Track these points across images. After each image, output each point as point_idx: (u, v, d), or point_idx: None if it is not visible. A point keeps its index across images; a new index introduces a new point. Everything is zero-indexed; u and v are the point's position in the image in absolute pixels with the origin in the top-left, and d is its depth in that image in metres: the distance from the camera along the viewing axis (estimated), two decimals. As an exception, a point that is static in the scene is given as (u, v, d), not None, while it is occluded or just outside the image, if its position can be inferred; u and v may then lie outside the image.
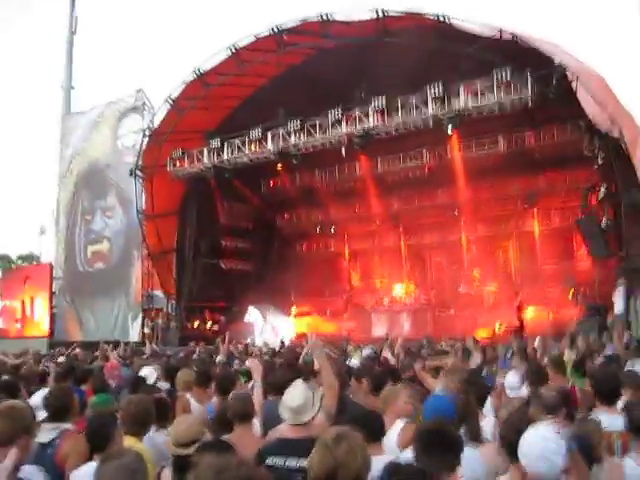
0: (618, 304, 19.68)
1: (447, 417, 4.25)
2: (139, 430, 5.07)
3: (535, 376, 6.81)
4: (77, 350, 16.87)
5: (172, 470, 4.35)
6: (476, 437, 4.63)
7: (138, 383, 7.30)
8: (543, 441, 3.24)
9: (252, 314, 28.55)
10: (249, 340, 23.68)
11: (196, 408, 6.98)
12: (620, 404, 5.36)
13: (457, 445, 3.58)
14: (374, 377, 7.15)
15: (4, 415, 4.20)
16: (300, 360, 9.72)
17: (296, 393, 4.75)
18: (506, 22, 19.74)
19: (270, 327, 28.28)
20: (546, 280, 26.86)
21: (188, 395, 7.22)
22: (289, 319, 29.93)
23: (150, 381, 7.77)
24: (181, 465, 4.25)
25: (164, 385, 7.87)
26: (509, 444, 3.59)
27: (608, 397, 5.33)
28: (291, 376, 6.14)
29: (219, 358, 12.44)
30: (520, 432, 3.39)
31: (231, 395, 5.80)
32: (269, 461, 4.38)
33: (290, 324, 29.31)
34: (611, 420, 5.01)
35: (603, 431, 4.73)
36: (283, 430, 4.79)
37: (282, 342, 20.96)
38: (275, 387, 6.36)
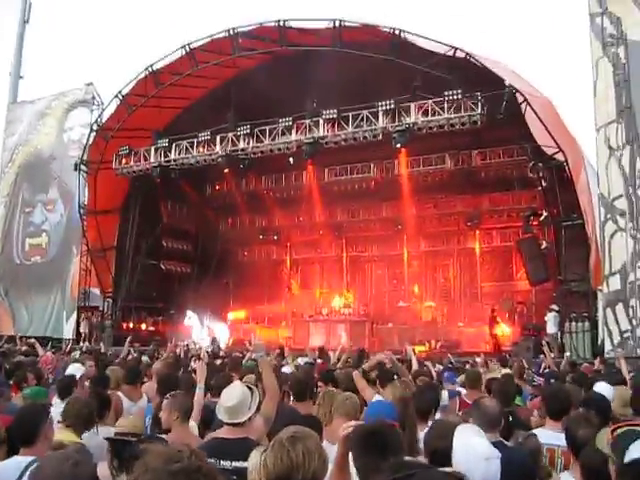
0: (550, 325, 20.15)
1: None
2: (80, 426, 4.99)
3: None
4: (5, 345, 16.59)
5: (110, 456, 4.27)
6: (411, 448, 4.61)
7: (69, 381, 7.13)
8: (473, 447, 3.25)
9: (191, 317, 28.32)
10: (186, 343, 23.46)
11: (128, 406, 6.88)
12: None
13: (397, 447, 3.56)
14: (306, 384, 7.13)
15: None
16: (243, 362, 9.67)
17: (233, 393, 4.71)
18: (460, 41, 20.03)
19: (206, 331, 28.08)
20: (484, 299, 27.21)
21: (119, 393, 7.11)
22: (225, 325, 29.74)
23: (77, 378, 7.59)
24: (120, 450, 4.18)
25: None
26: (433, 451, 3.62)
27: (557, 414, 5.39)
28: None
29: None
30: (444, 438, 3.41)
31: (169, 395, 5.73)
32: None
33: (226, 329, 29.13)
34: (557, 436, 5.07)
35: (544, 447, 4.81)
36: (220, 431, 4.74)
37: (216, 344, 20.71)
38: (219, 389, 6.30)
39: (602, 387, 6.71)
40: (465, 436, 3.35)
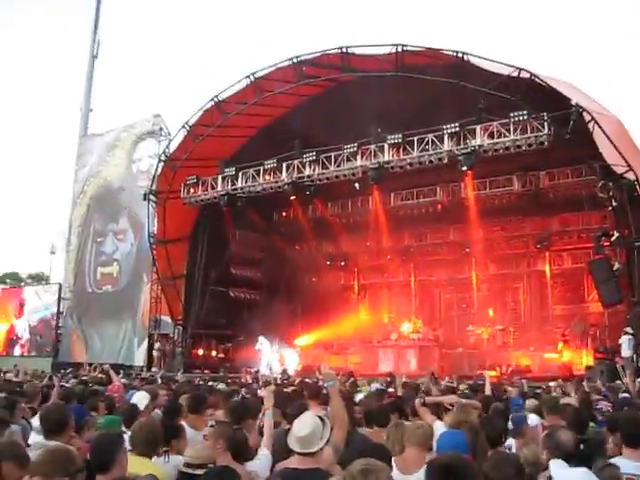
0: (624, 348, 19.58)
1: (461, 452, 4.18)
2: (150, 452, 5.03)
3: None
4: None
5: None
6: None
7: (132, 411, 7.15)
8: None
9: (263, 343, 28.35)
10: (257, 369, 23.56)
11: (191, 434, 6.85)
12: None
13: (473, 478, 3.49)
14: (378, 411, 7.07)
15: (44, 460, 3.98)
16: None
17: (305, 423, 4.67)
18: (524, 61, 19.84)
19: (277, 357, 28.07)
20: (555, 322, 26.70)
21: (183, 422, 7.07)
22: (295, 350, 29.71)
23: (141, 407, 7.59)
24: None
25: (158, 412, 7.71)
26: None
27: (635, 441, 5.23)
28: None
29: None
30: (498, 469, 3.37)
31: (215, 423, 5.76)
32: None
33: (295, 356, 29.09)
34: (636, 466, 4.92)
35: (624, 477, 4.67)
36: (291, 461, 4.71)
37: (285, 371, 20.69)
38: (295, 417, 6.27)
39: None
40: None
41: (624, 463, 4.98)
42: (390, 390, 11.03)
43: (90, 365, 21.65)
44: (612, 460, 5.01)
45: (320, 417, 4.81)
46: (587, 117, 18.66)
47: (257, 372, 20.86)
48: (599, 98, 20.55)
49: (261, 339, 28.30)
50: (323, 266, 32.54)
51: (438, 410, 7.50)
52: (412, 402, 7.70)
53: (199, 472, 4.43)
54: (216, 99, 24.96)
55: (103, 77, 39.91)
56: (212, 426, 5.62)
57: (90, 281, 32.80)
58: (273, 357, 28.06)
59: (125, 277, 31.41)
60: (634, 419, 5.68)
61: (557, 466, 3.32)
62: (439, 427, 6.06)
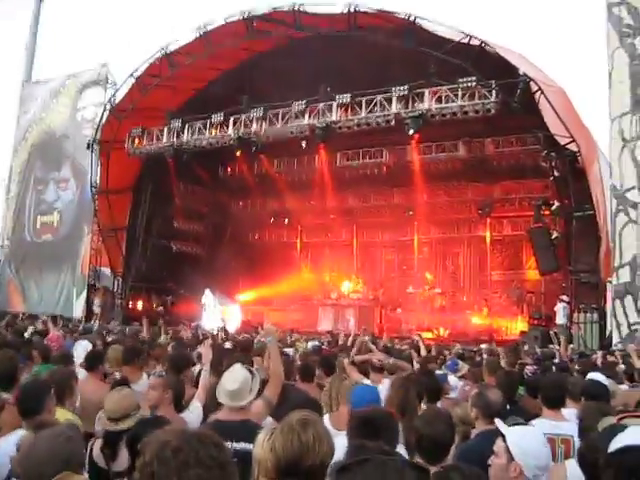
0: (559, 316, 20.09)
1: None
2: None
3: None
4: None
5: (103, 445, 4.33)
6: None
7: (66, 359, 7.14)
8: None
9: (208, 297, 28.27)
10: (197, 323, 23.53)
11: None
12: (565, 411, 5.47)
13: (391, 434, 3.59)
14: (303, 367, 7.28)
15: None
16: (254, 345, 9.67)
17: (234, 377, 4.72)
18: (474, 29, 19.93)
19: (219, 312, 28.01)
20: (493, 287, 27.23)
21: (117, 374, 7.03)
22: (236, 306, 29.72)
23: (82, 356, 7.53)
24: (113, 440, 4.24)
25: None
26: (419, 437, 3.70)
27: (554, 404, 5.42)
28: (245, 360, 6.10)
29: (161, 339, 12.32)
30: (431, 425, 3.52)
31: (161, 373, 5.79)
32: None
33: (238, 311, 29.10)
34: (556, 426, 5.13)
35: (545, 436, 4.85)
36: (220, 413, 4.77)
37: (224, 327, 20.61)
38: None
39: (597, 377, 6.71)
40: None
41: (545, 423, 5.17)
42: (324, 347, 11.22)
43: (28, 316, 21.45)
44: (533, 421, 5.18)
45: (249, 370, 4.87)
46: (534, 87, 18.88)
47: (197, 327, 20.78)
48: (547, 70, 20.75)
49: (207, 292, 28.24)
50: (267, 223, 32.61)
51: (366, 368, 7.70)
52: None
53: (122, 426, 4.38)
54: (165, 50, 24.58)
55: (49, 22, 38.52)
56: (160, 376, 5.61)
57: (29, 230, 32.22)
58: (216, 312, 28.02)
59: (65, 227, 30.91)
60: (554, 381, 5.91)
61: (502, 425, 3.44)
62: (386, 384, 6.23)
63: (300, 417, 3.01)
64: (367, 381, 6.45)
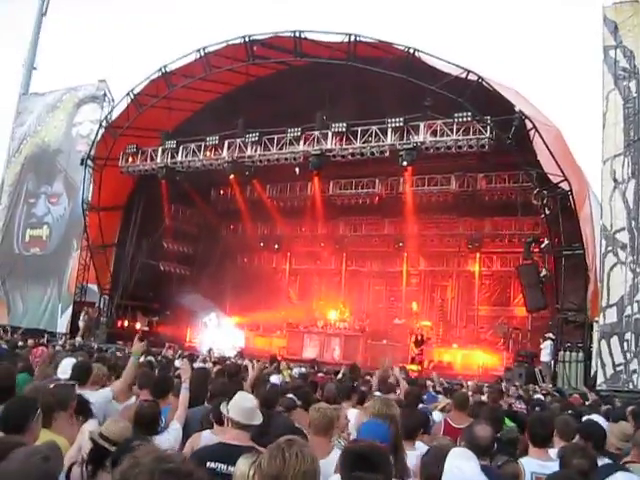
0: (544, 354, 20.09)
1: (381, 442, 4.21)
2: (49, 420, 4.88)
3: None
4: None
5: (87, 460, 4.25)
6: (402, 473, 4.50)
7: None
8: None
9: (212, 318, 28.23)
10: (178, 345, 23.36)
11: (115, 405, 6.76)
12: (553, 451, 5.42)
13: (386, 471, 3.52)
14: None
15: None
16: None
17: (247, 396, 4.79)
18: (472, 64, 20.07)
19: (223, 335, 27.90)
20: (480, 322, 27.21)
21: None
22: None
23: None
24: (100, 456, 4.17)
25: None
26: (427, 476, 3.59)
27: (540, 442, 5.40)
28: (233, 387, 6.07)
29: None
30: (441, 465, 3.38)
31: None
32: (210, 465, 4.32)
33: (241, 335, 29.05)
34: (543, 465, 5.09)
35: (534, 476, 4.83)
36: (229, 435, 4.71)
37: (210, 350, 20.47)
38: (215, 394, 6.27)
39: (596, 420, 6.68)
40: (457, 459, 3.35)
41: (530, 462, 5.14)
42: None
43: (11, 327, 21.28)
44: (521, 460, 5.15)
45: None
46: (529, 125, 19.04)
47: (179, 348, 20.65)
48: (543, 108, 20.90)
49: (211, 315, 28.26)
50: (256, 248, 32.51)
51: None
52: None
53: (111, 449, 4.23)
54: (164, 70, 24.65)
55: (50, 36, 38.59)
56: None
57: (18, 242, 32.07)
58: (219, 334, 27.92)
59: (55, 241, 30.80)
60: (541, 419, 5.88)
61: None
62: (352, 414, 6.16)
63: (288, 437, 3.01)
64: (355, 411, 6.33)
